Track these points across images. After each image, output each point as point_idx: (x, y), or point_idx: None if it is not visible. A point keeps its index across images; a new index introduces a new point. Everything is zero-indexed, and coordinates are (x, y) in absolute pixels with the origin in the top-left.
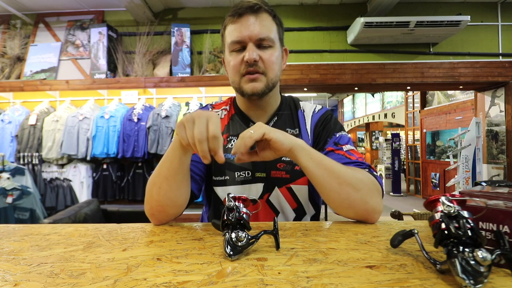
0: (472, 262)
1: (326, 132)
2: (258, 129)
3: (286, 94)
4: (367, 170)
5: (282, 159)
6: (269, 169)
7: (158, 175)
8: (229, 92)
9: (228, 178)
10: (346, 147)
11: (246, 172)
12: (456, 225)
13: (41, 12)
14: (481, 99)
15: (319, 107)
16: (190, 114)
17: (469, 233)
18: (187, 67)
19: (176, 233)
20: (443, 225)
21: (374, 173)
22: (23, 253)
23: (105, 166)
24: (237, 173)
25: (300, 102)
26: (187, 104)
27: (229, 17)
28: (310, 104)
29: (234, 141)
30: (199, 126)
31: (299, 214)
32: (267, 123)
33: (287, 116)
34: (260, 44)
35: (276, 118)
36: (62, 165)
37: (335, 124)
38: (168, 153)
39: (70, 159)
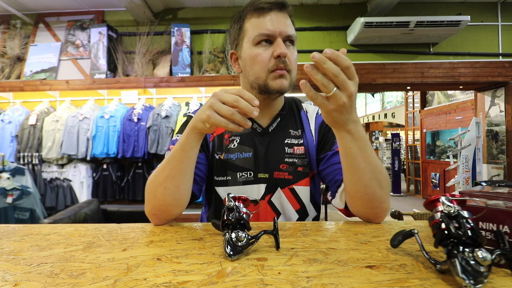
0: (472, 262)
1: (332, 133)
2: (350, 84)
3: (288, 95)
4: None
5: (285, 160)
6: (272, 170)
7: (163, 175)
8: None
9: (230, 178)
10: None
11: (248, 172)
12: (456, 225)
13: (41, 12)
14: (481, 99)
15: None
16: (208, 100)
17: (469, 233)
18: (187, 67)
19: (176, 233)
20: (443, 225)
21: None
22: (23, 253)
23: (105, 166)
24: (239, 174)
25: (302, 104)
26: (187, 104)
27: (253, 11)
28: (313, 106)
29: (236, 141)
30: (227, 97)
31: (302, 215)
32: (271, 124)
33: (290, 117)
34: (286, 41)
35: (279, 119)
36: (62, 165)
37: None
38: (176, 151)
39: (70, 159)
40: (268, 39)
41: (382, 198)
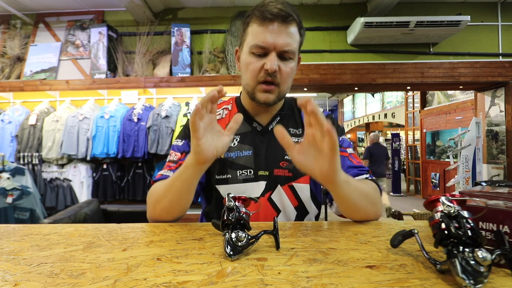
0: (472, 262)
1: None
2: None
3: (289, 95)
4: (369, 177)
5: (285, 158)
6: (272, 167)
7: (163, 199)
8: (229, 92)
9: (230, 176)
10: (349, 150)
11: (248, 170)
12: (456, 225)
13: (41, 12)
14: (481, 99)
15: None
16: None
17: (469, 233)
18: (187, 67)
19: (176, 233)
20: (443, 225)
21: (373, 177)
22: (23, 253)
23: (105, 166)
24: (239, 172)
25: None
26: (187, 104)
27: (257, 16)
28: None
29: (236, 139)
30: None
31: (301, 212)
32: (270, 122)
33: (290, 116)
34: (282, 55)
35: (278, 118)
36: (62, 165)
37: (337, 127)
38: (175, 180)
39: (70, 159)
40: (263, 51)
41: (375, 213)
